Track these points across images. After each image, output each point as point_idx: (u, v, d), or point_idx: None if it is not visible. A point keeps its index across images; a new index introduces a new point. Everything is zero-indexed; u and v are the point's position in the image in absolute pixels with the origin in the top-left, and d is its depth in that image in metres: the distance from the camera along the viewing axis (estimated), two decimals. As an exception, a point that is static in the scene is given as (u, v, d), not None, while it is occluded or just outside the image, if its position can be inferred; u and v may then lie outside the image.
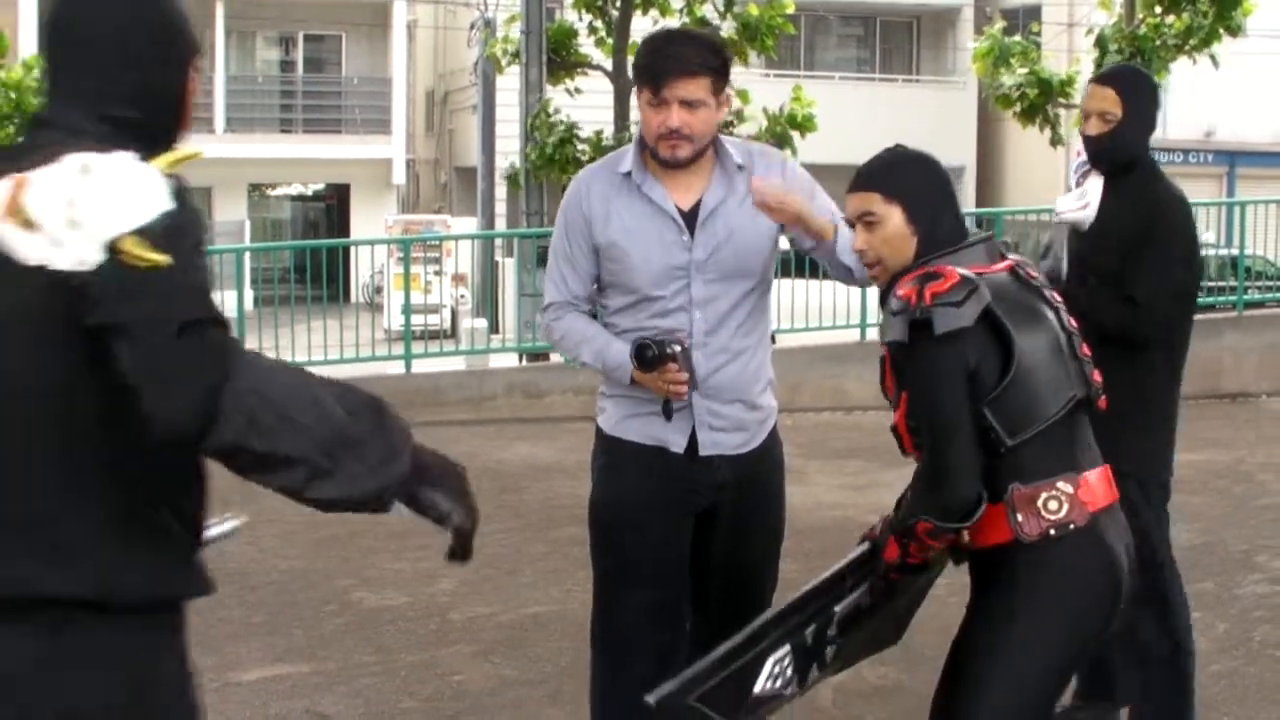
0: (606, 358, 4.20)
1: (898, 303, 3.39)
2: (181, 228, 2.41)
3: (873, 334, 14.57)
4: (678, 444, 4.22)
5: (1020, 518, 3.40)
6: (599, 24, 19.02)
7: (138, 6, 2.66)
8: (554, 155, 18.13)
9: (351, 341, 14.83)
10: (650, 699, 3.62)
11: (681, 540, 4.29)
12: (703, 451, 4.22)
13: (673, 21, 18.80)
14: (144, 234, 2.35)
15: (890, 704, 5.67)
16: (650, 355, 4.05)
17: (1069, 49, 25.97)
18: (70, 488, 2.51)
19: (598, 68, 19.18)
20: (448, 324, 18.46)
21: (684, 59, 4.07)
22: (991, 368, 3.38)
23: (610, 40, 18.83)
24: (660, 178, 4.20)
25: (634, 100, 4.44)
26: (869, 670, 5.94)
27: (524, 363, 15.11)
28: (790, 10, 19.41)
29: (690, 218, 4.18)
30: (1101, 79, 4.92)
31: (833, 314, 14.53)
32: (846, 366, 13.93)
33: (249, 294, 15.01)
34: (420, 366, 14.62)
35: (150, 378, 2.36)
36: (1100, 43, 19.75)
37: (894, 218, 3.53)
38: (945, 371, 3.35)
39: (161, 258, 2.34)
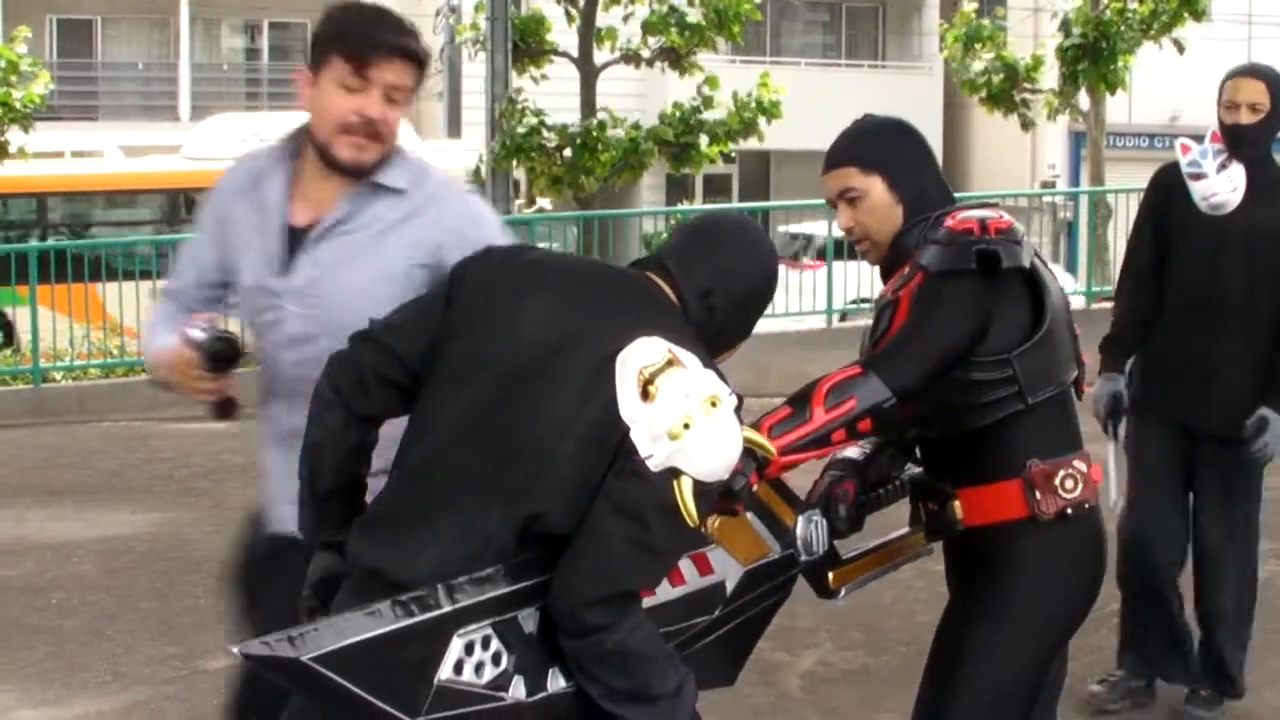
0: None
1: (948, 234, 3.24)
2: (712, 493, 2.65)
3: (837, 320, 14.63)
4: None
5: (1039, 495, 3.28)
6: (574, 10, 19.01)
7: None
8: (521, 145, 18.11)
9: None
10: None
11: None
12: None
13: (641, 9, 18.79)
14: (700, 488, 2.58)
15: (857, 688, 5.67)
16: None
17: (1034, 34, 26.03)
18: None
19: (564, 54, 19.15)
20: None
21: (400, 32, 3.17)
22: (1021, 319, 3.28)
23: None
24: (298, 179, 3.25)
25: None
26: (836, 655, 5.96)
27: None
28: (757, -4, 19.40)
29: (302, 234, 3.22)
30: (1250, 73, 5.30)
31: (799, 299, 14.54)
32: (814, 351, 13.93)
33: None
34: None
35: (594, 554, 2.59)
36: (1065, 27, 19.81)
37: (875, 188, 3.40)
38: (967, 302, 3.21)
39: (693, 515, 2.58)
